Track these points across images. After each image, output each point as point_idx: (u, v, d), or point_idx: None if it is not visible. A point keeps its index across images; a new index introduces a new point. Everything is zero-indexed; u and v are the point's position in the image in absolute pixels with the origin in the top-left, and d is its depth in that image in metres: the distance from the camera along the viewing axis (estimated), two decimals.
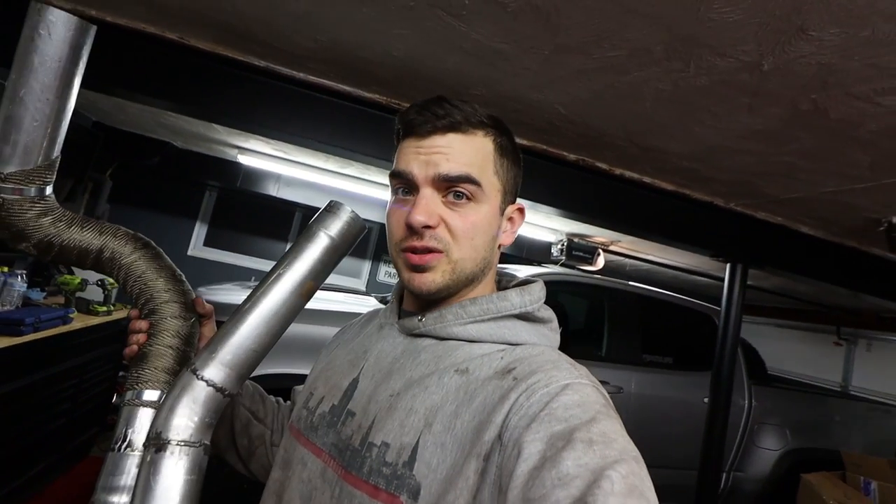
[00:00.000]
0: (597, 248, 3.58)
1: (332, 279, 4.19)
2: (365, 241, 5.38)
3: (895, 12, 0.83)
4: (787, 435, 3.05)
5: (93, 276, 2.85)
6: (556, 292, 3.30)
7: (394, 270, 5.55)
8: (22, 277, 2.34)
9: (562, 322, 3.03)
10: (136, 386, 0.73)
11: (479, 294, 0.66)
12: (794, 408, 3.17)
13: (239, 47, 1.46)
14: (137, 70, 1.48)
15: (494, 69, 1.29)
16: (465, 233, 0.61)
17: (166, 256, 0.88)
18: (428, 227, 0.60)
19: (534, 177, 1.83)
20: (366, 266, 5.48)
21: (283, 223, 5.01)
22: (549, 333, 0.65)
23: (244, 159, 3.20)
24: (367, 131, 1.67)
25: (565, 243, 3.51)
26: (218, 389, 0.67)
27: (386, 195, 2.90)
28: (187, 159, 3.50)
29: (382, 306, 0.82)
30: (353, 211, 0.76)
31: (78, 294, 2.56)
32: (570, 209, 1.92)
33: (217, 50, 1.49)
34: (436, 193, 0.61)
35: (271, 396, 0.92)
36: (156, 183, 4.26)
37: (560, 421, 0.47)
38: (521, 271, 2.99)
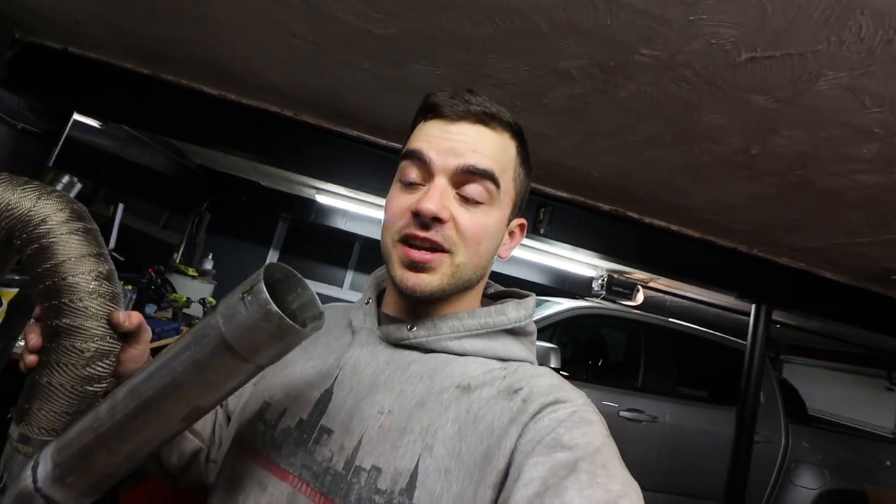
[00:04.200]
0: (636, 285, 3.79)
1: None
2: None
3: (844, 121, 1.11)
4: (825, 475, 3.09)
5: (196, 294, 3.35)
6: (597, 325, 3.53)
7: None
8: (136, 293, 2.84)
9: (602, 353, 3.25)
10: (20, 422, 0.54)
11: (469, 304, 0.62)
12: (835, 448, 3.21)
13: (340, 123, 1.89)
14: (264, 139, 1.93)
15: (539, 144, 1.64)
16: (474, 235, 0.56)
17: (102, 239, 0.59)
18: (438, 219, 0.54)
19: (574, 224, 2.14)
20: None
21: (344, 252, 5.50)
22: (532, 347, 0.63)
23: (320, 198, 3.68)
24: None
25: (605, 279, 3.75)
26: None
27: None
28: (270, 196, 4.03)
29: (340, 304, 0.74)
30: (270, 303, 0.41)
31: (184, 310, 3.04)
32: (606, 252, 2.21)
33: (321, 123, 1.93)
34: (450, 187, 0.55)
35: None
36: (240, 215, 4.85)
37: (564, 448, 0.45)
38: (563, 304, 3.25)
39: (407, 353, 0.58)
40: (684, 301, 4.26)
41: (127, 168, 2.76)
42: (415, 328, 0.58)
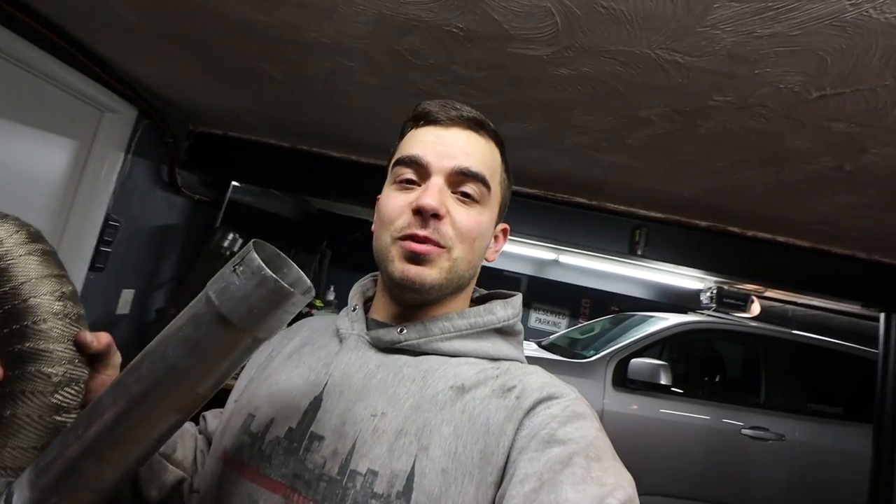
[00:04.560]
0: (749, 296, 3.61)
1: None
2: (515, 289, 5.88)
3: None
4: None
5: None
6: (709, 339, 3.42)
7: (546, 317, 5.97)
8: None
9: (718, 369, 3.17)
10: None
11: (460, 305, 0.63)
12: None
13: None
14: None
15: (627, 175, 1.76)
16: (469, 232, 0.57)
17: (61, 261, 0.56)
18: (437, 215, 0.55)
19: (673, 242, 2.19)
20: None
21: None
22: (521, 347, 0.64)
23: None
24: (532, 216, 2.23)
25: (714, 290, 3.62)
26: None
27: (534, 251, 3.43)
28: None
29: (324, 315, 0.72)
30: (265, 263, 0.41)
31: None
32: (709, 268, 2.22)
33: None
34: (450, 185, 0.58)
35: (190, 426, 0.71)
36: (355, 250, 5.38)
37: (558, 443, 0.45)
38: (670, 319, 3.22)
39: (397, 356, 0.58)
40: (810, 310, 3.95)
41: (261, 217, 3.28)
42: (405, 331, 0.58)
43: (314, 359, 0.61)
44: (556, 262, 4.23)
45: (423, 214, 0.55)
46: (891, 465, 2.10)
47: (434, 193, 0.55)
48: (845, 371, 3.09)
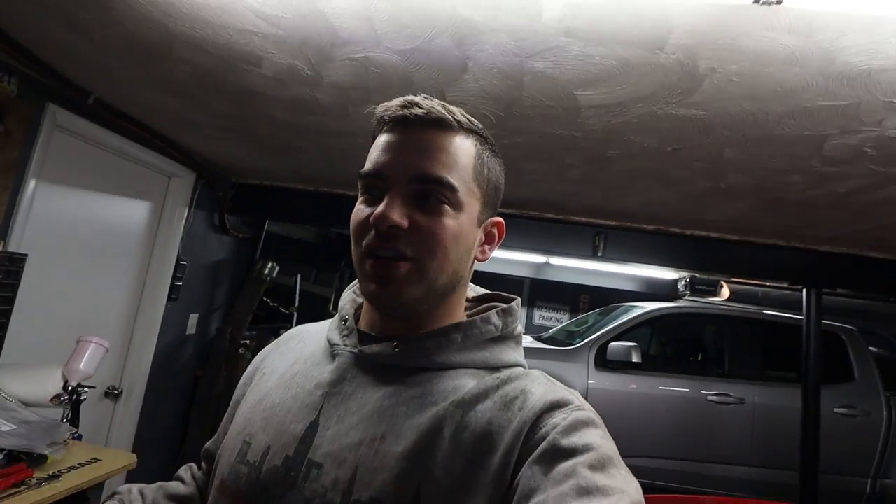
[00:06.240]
0: (718, 282, 4.08)
1: None
2: (518, 290, 6.40)
3: None
4: None
5: None
6: (683, 323, 3.92)
7: (548, 314, 6.46)
8: None
9: (695, 348, 3.73)
10: None
11: (452, 315, 0.60)
12: None
13: None
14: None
15: (577, 197, 2.28)
16: (437, 239, 0.53)
17: None
18: (395, 227, 0.52)
19: (624, 245, 2.70)
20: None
21: None
22: (519, 349, 0.62)
23: None
24: (511, 231, 2.76)
25: (687, 279, 4.10)
26: None
27: (529, 256, 3.97)
28: None
29: (311, 326, 0.72)
30: None
31: None
32: (659, 263, 2.73)
33: None
34: (409, 194, 0.54)
35: (187, 475, 0.72)
36: None
37: (563, 454, 0.45)
38: (646, 307, 3.71)
39: (393, 373, 0.55)
40: (773, 291, 4.42)
41: (288, 243, 3.85)
42: (400, 347, 0.56)
43: (307, 379, 0.59)
44: (548, 264, 4.73)
45: (380, 229, 0.52)
46: (816, 413, 2.57)
47: (391, 205, 0.52)
48: (798, 340, 3.57)
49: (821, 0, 0.82)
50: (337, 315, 0.65)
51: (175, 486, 0.68)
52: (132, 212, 2.34)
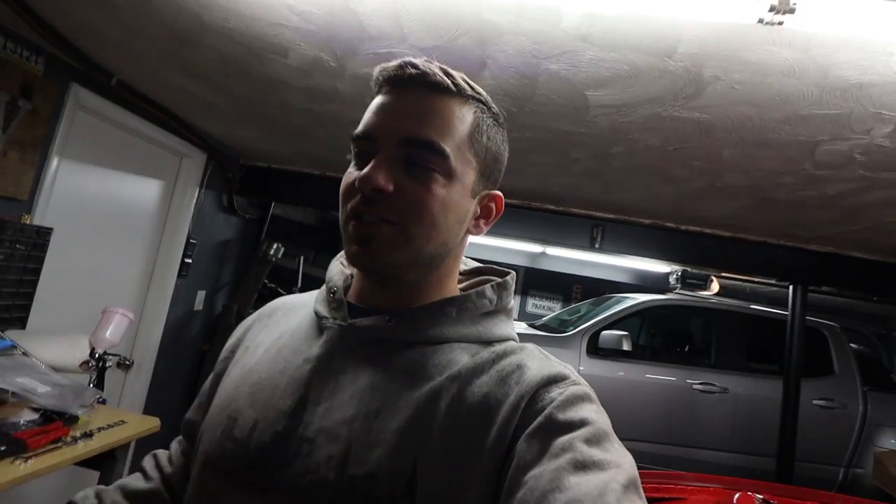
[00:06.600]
0: (709, 276, 4.21)
1: None
2: None
3: None
4: None
5: None
6: (673, 315, 4.06)
7: (541, 302, 6.59)
8: None
9: (685, 339, 3.90)
10: None
11: (445, 288, 0.58)
12: None
13: None
14: None
15: (578, 191, 2.37)
16: (424, 205, 0.51)
17: None
18: (380, 190, 0.50)
19: (621, 237, 2.80)
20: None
21: None
22: (510, 322, 0.60)
23: None
24: (513, 220, 2.84)
25: (679, 272, 4.22)
26: None
27: (525, 246, 4.09)
28: None
29: (297, 297, 0.70)
30: None
31: None
32: (653, 256, 2.83)
33: None
34: (398, 158, 0.51)
35: (150, 465, 0.68)
36: None
37: (559, 429, 0.45)
38: (638, 298, 3.83)
39: (386, 346, 0.54)
40: (761, 287, 4.56)
41: (289, 225, 3.91)
42: (393, 320, 0.54)
43: (294, 353, 0.56)
44: (544, 254, 4.83)
45: (364, 192, 0.50)
46: (795, 404, 2.71)
47: (376, 168, 0.50)
48: (782, 335, 3.71)
49: (819, 22, 0.90)
50: (324, 286, 0.62)
51: (135, 483, 0.65)
52: (146, 190, 2.40)
